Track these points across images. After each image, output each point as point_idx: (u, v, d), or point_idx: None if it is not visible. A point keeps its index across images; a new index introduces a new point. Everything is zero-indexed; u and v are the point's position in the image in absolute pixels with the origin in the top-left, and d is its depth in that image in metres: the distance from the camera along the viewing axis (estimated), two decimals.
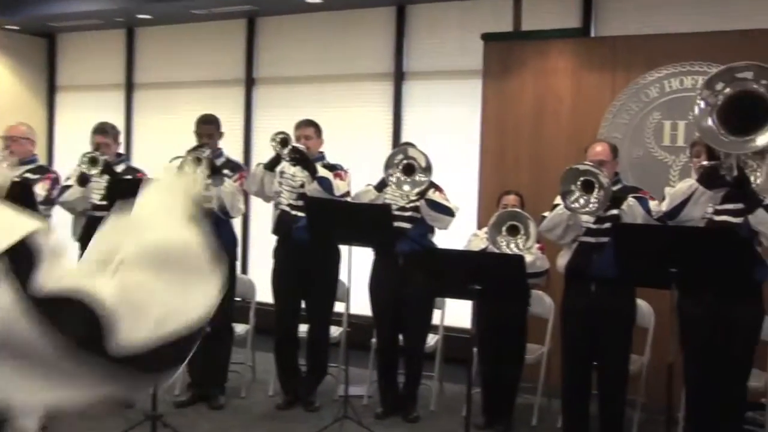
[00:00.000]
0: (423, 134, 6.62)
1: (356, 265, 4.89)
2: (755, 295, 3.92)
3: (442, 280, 4.19)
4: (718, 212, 3.97)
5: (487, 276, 3.95)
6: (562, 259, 4.51)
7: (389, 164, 4.81)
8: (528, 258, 4.52)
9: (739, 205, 3.90)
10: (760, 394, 4.55)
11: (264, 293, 5.58)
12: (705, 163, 3.95)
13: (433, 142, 6.48)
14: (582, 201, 4.20)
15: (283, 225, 5.18)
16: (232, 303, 5.34)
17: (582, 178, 4.20)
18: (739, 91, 3.71)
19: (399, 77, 6.92)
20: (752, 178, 3.96)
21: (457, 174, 6.42)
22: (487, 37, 6.06)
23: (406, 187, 4.80)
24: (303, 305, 5.28)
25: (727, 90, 3.74)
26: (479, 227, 5.38)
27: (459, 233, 5.17)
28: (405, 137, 6.72)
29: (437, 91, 6.78)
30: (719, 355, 3.93)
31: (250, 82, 7.59)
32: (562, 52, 5.85)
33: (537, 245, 4.69)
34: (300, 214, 5.02)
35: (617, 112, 5.63)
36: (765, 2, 5.70)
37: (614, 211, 4.29)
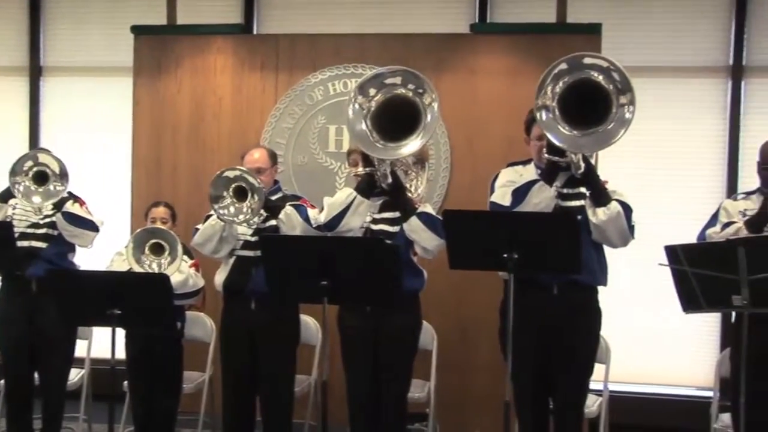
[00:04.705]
0: (66, 138, 6.35)
1: None
2: (411, 304, 4.14)
3: (78, 306, 3.95)
4: (375, 221, 4.14)
5: (129, 299, 3.79)
6: (220, 276, 4.46)
7: (16, 171, 4.50)
8: (178, 277, 4.44)
9: (396, 214, 4.10)
10: (423, 405, 4.85)
11: None
12: (360, 170, 4.11)
13: (78, 147, 6.28)
14: (233, 209, 4.19)
15: None
16: None
17: (234, 185, 4.18)
18: (390, 97, 3.91)
19: (36, 72, 6.51)
20: (413, 187, 4.21)
21: (108, 183, 6.24)
22: (138, 31, 5.87)
23: (37, 199, 4.52)
24: None
25: (379, 96, 3.93)
26: None
27: (111, 251, 4.92)
28: (44, 141, 6.35)
29: (82, 89, 6.48)
30: (379, 367, 4.09)
31: None
32: (221, 49, 5.81)
33: (190, 262, 4.61)
34: None
35: (281, 116, 5.70)
36: (421, 7, 6.16)
37: (272, 222, 4.33)
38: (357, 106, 3.94)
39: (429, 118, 3.86)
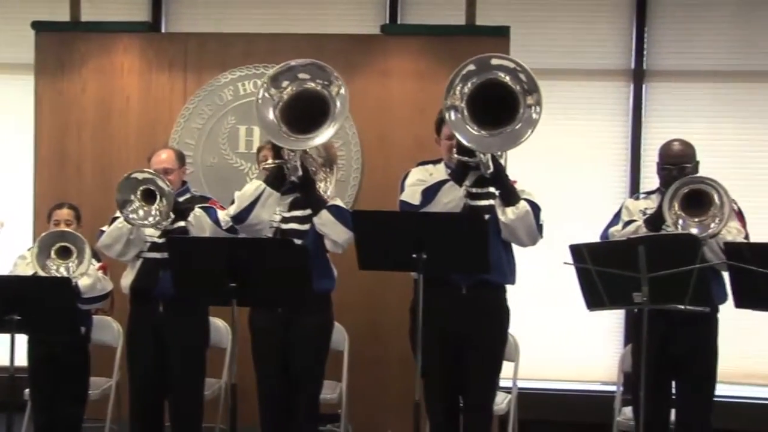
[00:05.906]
0: None
1: None
2: (322, 304, 4.11)
3: None
4: (285, 220, 4.09)
5: (30, 304, 3.68)
6: (126, 279, 4.37)
7: None
8: (87, 281, 4.35)
9: (306, 212, 4.06)
10: (335, 406, 4.84)
11: None
12: (269, 163, 4.06)
13: None
14: (142, 212, 4.13)
15: None
16: None
17: (142, 188, 4.12)
18: (300, 91, 3.90)
19: None
20: (322, 189, 4.17)
21: (9, 183, 6.09)
22: (39, 27, 5.69)
23: None
24: None
25: (290, 89, 3.90)
26: None
27: (14, 254, 4.76)
28: None
29: None
30: (291, 368, 4.05)
31: None
32: (128, 48, 5.68)
33: (97, 264, 4.49)
34: None
35: (190, 116, 5.61)
36: (333, 7, 6.18)
37: (181, 224, 4.25)
38: (267, 94, 3.90)
39: (339, 105, 3.85)
